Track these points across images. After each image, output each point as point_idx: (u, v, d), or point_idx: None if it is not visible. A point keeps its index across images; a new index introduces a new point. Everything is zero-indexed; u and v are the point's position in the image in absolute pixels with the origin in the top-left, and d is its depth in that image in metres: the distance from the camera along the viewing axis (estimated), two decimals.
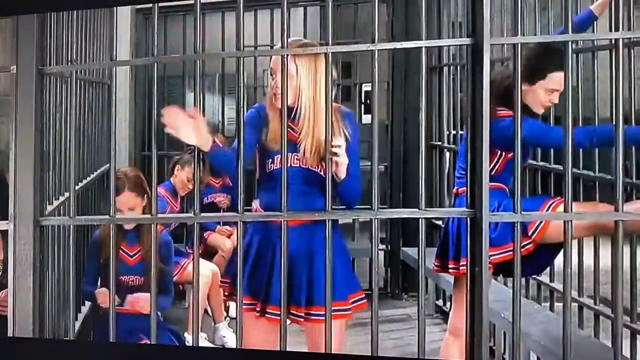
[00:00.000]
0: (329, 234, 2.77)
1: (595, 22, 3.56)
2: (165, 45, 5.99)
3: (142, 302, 3.80)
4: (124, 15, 5.96)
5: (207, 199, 5.69)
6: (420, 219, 2.66)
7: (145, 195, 3.90)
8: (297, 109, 3.02)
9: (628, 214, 2.55)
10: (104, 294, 3.74)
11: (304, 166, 3.04)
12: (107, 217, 2.94)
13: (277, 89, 2.96)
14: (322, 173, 3.01)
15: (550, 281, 4.12)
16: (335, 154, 2.80)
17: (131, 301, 3.85)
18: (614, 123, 2.60)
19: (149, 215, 2.89)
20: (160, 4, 2.97)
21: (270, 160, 3.07)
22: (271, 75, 3.04)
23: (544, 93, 3.35)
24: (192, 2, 2.85)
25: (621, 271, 2.59)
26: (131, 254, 3.92)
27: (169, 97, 6.30)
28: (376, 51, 2.73)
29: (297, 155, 3.03)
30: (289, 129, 2.88)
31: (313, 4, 6.23)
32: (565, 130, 2.57)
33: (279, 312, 2.88)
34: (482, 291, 2.65)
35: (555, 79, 3.30)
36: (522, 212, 2.57)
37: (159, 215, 2.96)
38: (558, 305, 4.00)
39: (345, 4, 6.14)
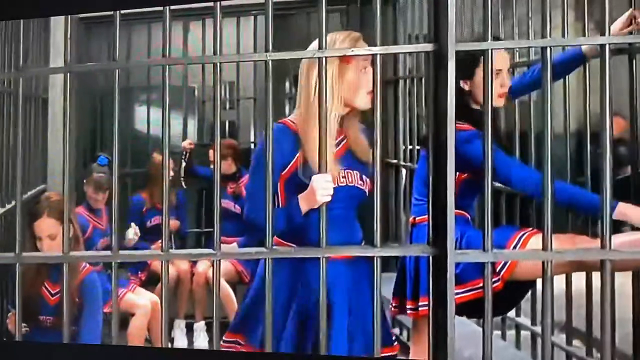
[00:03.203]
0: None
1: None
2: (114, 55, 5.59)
3: None
4: (59, 24, 5.59)
5: (151, 222, 5.31)
6: (375, 258, 2.29)
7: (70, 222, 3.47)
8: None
9: (616, 252, 2.18)
10: (11, 321, 3.35)
11: (350, 184, 2.60)
12: (11, 255, 2.52)
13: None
14: (365, 190, 2.61)
15: (516, 315, 3.75)
16: None
17: None
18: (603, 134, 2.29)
19: (59, 254, 2.49)
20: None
21: None
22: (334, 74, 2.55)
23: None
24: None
25: (609, 316, 2.23)
26: (53, 292, 3.48)
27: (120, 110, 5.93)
28: (324, 59, 2.41)
29: (343, 173, 2.58)
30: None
31: (264, 13, 5.88)
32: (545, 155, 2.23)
33: None
34: (447, 338, 2.32)
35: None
36: (494, 251, 2.20)
37: (72, 254, 2.56)
38: (523, 341, 3.69)
39: (298, 13, 5.81)
